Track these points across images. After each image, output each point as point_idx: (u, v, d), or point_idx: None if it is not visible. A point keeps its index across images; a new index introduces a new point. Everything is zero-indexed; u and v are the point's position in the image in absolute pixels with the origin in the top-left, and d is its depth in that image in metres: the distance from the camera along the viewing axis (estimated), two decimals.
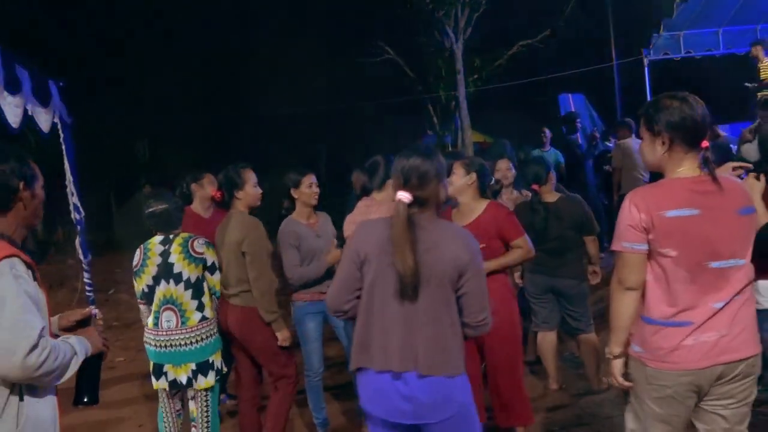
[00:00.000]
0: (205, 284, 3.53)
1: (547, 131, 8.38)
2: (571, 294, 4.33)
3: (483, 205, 3.59)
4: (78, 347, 2.02)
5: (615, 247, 2.28)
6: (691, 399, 2.25)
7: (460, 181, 3.58)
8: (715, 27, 10.50)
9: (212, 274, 3.55)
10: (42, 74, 3.95)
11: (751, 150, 6.18)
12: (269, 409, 3.85)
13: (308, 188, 4.00)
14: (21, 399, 1.87)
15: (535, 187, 4.24)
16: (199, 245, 3.52)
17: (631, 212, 2.21)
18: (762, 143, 2.97)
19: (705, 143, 2.20)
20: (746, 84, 8.61)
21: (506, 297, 3.54)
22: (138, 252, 3.58)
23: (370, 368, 2.35)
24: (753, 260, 2.76)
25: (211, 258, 3.54)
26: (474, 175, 3.58)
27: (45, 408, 1.93)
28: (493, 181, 4.00)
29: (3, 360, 1.77)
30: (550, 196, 4.31)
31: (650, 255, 2.23)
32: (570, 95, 11.34)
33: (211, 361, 3.49)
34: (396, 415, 2.32)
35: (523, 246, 3.53)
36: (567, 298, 4.35)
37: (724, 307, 2.18)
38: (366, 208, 3.69)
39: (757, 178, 2.85)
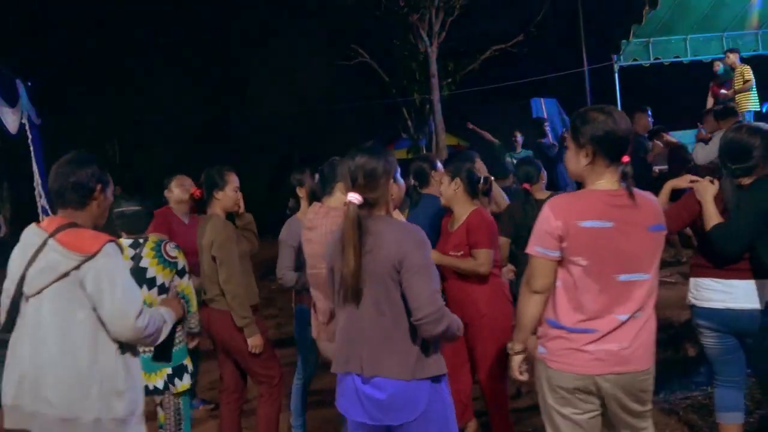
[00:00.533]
0: (172, 291, 3.48)
1: (518, 135, 8.48)
2: None
3: (469, 210, 3.57)
4: (167, 316, 2.52)
5: (529, 250, 2.31)
6: (591, 405, 2.28)
7: (447, 190, 3.57)
8: (683, 34, 10.75)
9: (182, 278, 3.50)
10: (9, 74, 3.89)
11: (699, 153, 6.35)
12: (258, 417, 3.77)
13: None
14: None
15: (526, 185, 4.23)
16: (171, 249, 3.48)
17: (548, 219, 2.25)
18: (721, 148, 3.06)
19: (626, 158, 2.25)
20: (723, 91, 8.82)
21: (497, 299, 3.53)
22: None
23: (333, 371, 2.43)
24: (702, 258, 2.85)
25: (182, 262, 3.51)
26: (458, 181, 3.55)
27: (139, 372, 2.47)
28: (482, 181, 3.95)
29: (120, 322, 2.29)
30: (541, 194, 4.27)
31: (562, 262, 2.26)
32: (542, 99, 11.50)
33: (185, 364, 3.47)
34: (360, 415, 2.34)
35: (479, 259, 3.46)
36: None
37: (628, 320, 2.22)
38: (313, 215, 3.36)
39: (711, 182, 2.97)
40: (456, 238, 3.54)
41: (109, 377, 2.31)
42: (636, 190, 2.28)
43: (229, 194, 3.66)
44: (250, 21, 16.56)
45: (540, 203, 4.20)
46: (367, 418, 2.33)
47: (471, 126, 9.10)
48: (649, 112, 7.05)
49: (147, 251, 3.41)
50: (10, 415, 2.33)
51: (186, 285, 3.53)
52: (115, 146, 18.74)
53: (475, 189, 3.62)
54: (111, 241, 2.33)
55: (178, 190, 4.60)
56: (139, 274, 3.36)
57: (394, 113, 15.17)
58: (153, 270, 3.40)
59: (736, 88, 8.64)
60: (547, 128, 9.07)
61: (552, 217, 2.24)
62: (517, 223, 4.03)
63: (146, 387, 3.33)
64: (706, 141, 6.50)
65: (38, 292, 2.31)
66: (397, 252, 2.22)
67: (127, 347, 2.38)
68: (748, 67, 8.79)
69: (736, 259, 2.85)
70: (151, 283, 3.39)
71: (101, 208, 2.44)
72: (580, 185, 2.36)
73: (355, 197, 2.26)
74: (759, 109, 8.56)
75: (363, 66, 14.07)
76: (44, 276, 2.30)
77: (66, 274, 2.27)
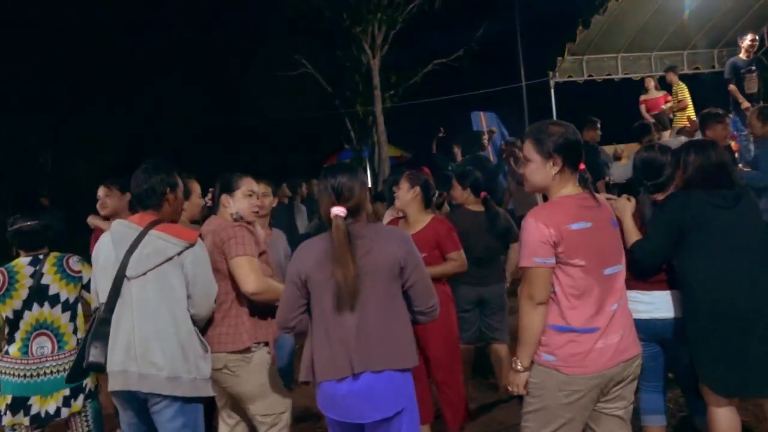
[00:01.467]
0: (79, 305, 3.32)
1: (456, 147, 8.65)
2: (499, 303, 4.42)
3: (427, 218, 3.83)
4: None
5: (526, 263, 2.35)
6: (594, 402, 2.40)
7: (405, 195, 3.81)
8: (614, 53, 11.23)
9: (89, 291, 3.22)
10: None
11: (615, 171, 6.63)
12: None
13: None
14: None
15: (484, 194, 4.34)
16: (74, 263, 3.30)
17: (539, 229, 2.31)
18: (636, 166, 3.23)
19: (582, 165, 2.43)
20: (663, 107, 9.23)
21: (445, 301, 3.70)
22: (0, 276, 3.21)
23: (324, 380, 2.43)
24: (627, 272, 3.00)
25: (87, 275, 3.27)
26: (418, 189, 3.78)
27: None
28: (436, 195, 4.13)
29: (205, 301, 2.80)
30: (476, 206, 4.39)
31: (558, 268, 2.34)
32: (481, 113, 11.73)
33: (84, 384, 3.26)
34: (353, 416, 2.42)
35: (457, 259, 3.79)
36: (492, 307, 4.41)
37: (617, 309, 2.39)
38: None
39: (628, 199, 3.12)
40: (417, 242, 3.61)
41: (197, 344, 2.77)
42: (589, 191, 2.46)
43: (195, 202, 3.59)
44: (194, 28, 16.28)
45: (476, 216, 4.31)
46: (360, 418, 2.41)
47: (442, 134, 9.19)
48: (598, 125, 7.26)
49: (48, 267, 3.23)
50: (118, 378, 2.69)
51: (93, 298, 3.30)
52: (47, 156, 18.04)
53: (430, 200, 3.89)
54: (199, 234, 2.87)
55: (108, 200, 4.36)
56: (41, 292, 3.19)
57: (337, 124, 15.22)
58: (56, 286, 3.23)
59: (672, 106, 9.08)
60: (486, 141, 9.25)
61: (543, 227, 2.31)
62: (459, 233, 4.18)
63: (37, 414, 3.14)
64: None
65: (143, 274, 2.70)
66: (397, 251, 2.43)
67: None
68: (684, 86, 9.24)
69: (656, 272, 2.99)
70: (54, 300, 3.21)
71: (174, 206, 2.90)
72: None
73: (340, 210, 2.42)
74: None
75: (307, 77, 14.07)
76: (150, 260, 2.70)
77: (170, 258, 2.71)
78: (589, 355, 2.33)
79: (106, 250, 2.80)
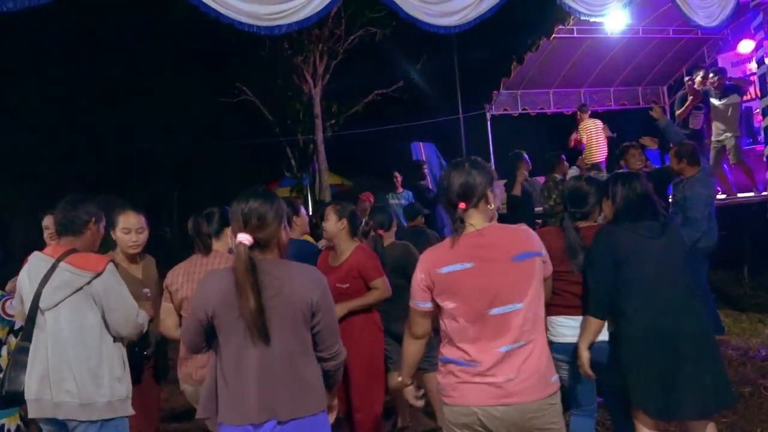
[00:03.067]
0: (5, 348, 3.43)
1: (398, 175, 8.79)
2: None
3: (352, 247, 3.85)
4: (144, 315, 3.08)
5: (410, 303, 2.46)
6: None
7: (333, 227, 3.83)
8: (546, 88, 11.72)
9: (16, 337, 3.37)
10: None
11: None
12: None
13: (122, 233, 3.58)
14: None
15: (381, 232, 4.41)
16: (10, 307, 3.36)
17: (416, 274, 2.41)
18: (564, 195, 3.44)
19: (462, 204, 2.34)
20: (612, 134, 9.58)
21: (372, 330, 3.81)
22: None
23: (225, 423, 2.27)
24: (557, 298, 3.10)
25: (20, 321, 3.27)
26: (345, 221, 3.83)
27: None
28: (363, 224, 4.21)
29: (127, 323, 2.92)
30: (388, 241, 4.48)
31: (439, 306, 2.38)
32: (421, 143, 11.97)
33: (6, 428, 3.37)
34: None
35: (379, 287, 3.78)
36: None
37: (510, 351, 2.27)
38: (198, 259, 3.41)
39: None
40: (341, 272, 3.78)
41: (112, 367, 2.89)
42: (499, 225, 2.43)
43: (118, 236, 3.51)
44: (131, 53, 15.95)
45: (387, 249, 4.33)
46: None
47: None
48: (527, 158, 7.49)
49: None
50: (34, 406, 2.84)
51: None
52: None
53: (356, 230, 3.94)
54: (110, 261, 2.95)
55: (48, 231, 4.23)
56: None
57: (277, 152, 15.17)
58: None
59: (583, 141, 9.52)
60: (426, 171, 9.43)
61: (418, 272, 2.41)
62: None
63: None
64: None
65: (55, 305, 2.83)
66: (314, 293, 2.27)
67: (119, 342, 2.96)
68: (594, 121, 9.65)
69: (609, 301, 3.05)
70: None
71: (93, 237, 3.03)
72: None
73: (246, 238, 2.24)
74: (602, 160, 9.42)
75: (246, 104, 14.02)
76: (60, 292, 2.82)
77: (80, 289, 2.82)
78: (461, 387, 2.32)
79: (24, 283, 2.93)
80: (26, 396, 2.84)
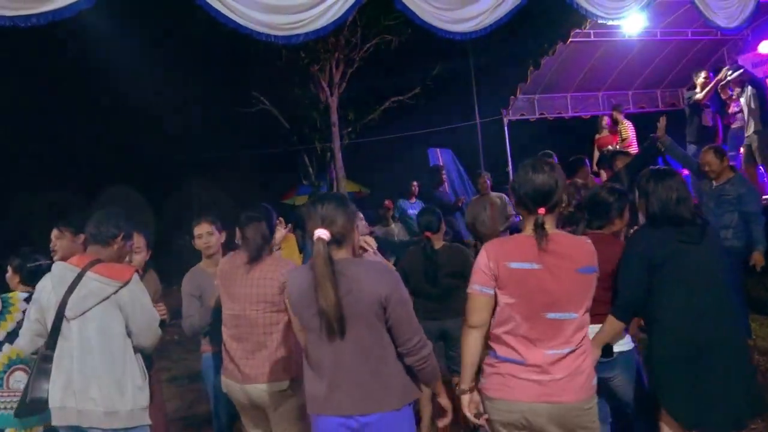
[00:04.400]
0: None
1: (415, 183, 8.73)
2: (457, 336, 4.38)
3: None
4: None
5: (468, 289, 2.49)
6: None
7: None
8: (564, 92, 11.65)
9: (11, 344, 3.29)
10: None
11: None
12: None
13: (198, 239, 3.99)
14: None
15: (428, 234, 4.37)
16: None
17: (482, 260, 2.44)
18: (584, 203, 3.47)
19: (541, 210, 2.41)
20: (610, 147, 9.54)
21: None
22: None
23: (322, 414, 2.41)
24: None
25: (11, 325, 3.32)
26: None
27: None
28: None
29: (148, 333, 2.99)
30: (438, 243, 4.45)
31: (496, 299, 2.43)
32: (438, 149, 11.94)
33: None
34: None
35: None
36: (453, 340, 4.34)
37: (558, 354, 2.36)
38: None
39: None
40: None
41: (135, 377, 2.92)
42: (568, 234, 2.49)
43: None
44: (144, 64, 16.13)
45: (437, 252, 4.36)
46: None
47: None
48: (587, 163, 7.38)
49: None
50: (58, 414, 2.87)
51: None
52: None
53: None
54: (135, 270, 3.03)
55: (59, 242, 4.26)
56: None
57: (295, 160, 15.21)
58: None
59: (628, 139, 9.44)
60: (445, 176, 9.37)
61: (485, 258, 2.43)
62: (415, 271, 4.32)
63: None
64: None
65: (82, 314, 2.86)
66: (383, 288, 2.32)
67: (139, 352, 3.01)
68: (629, 124, 9.62)
69: (637, 307, 2.99)
70: None
71: (120, 252, 3.10)
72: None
73: (324, 233, 2.34)
74: None
75: (264, 113, 14.09)
76: (87, 301, 2.86)
77: (106, 298, 2.87)
78: (507, 382, 2.39)
79: (47, 291, 2.93)
80: (50, 404, 2.87)
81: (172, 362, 7.42)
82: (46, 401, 2.89)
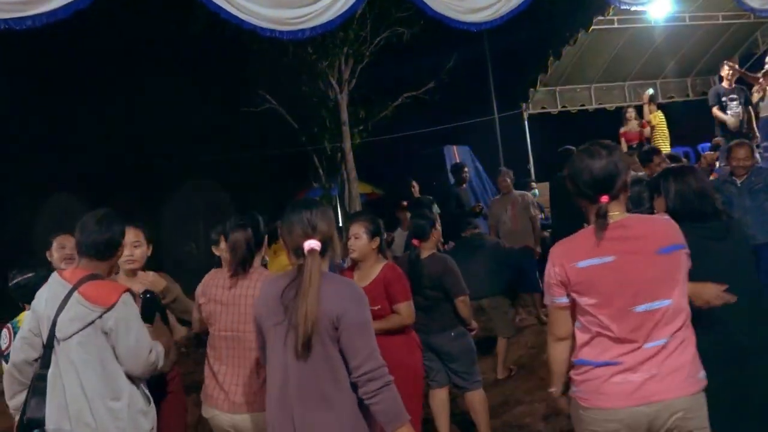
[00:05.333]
0: None
1: (414, 184, 8.44)
2: (448, 350, 4.22)
3: (380, 266, 3.61)
4: (159, 348, 2.90)
5: (545, 301, 2.42)
6: None
7: (365, 247, 3.58)
8: (587, 84, 11.14)
9: (7, 362, 3.18)
10: None
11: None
12: None
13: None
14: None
15: (415, 242, 4.20)
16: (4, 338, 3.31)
17: (549, 269, 2.32)
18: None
19: (603, 198, 2.26)
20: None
21: (410, 348, 3.64)
22: (5, 333, 3.35)
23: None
24: None
25: (6, 340, 3.39)
26: (377, 239, 3.60)
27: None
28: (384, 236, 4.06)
29: (134, 360, 2.76)
30: (426, 252, 4.24)
31: (575, 303, 2.29)
32: (454, 147, 11.50)
33: None
34: None
35: (402, 312, 3.55)
36: (446, 355, 4.24)
37: (654, 347, 2.21)
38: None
39: None
40: (371, 293, 3.48)
41: (133, 401, 2.78)
42: (643, 216, 2.36)
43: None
44: (151, 64, 15.84)
45: (422, 262, 4.13)
46: None
47: None
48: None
49: None
50: None
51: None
52: None
53: (383, 246, 3.72)
54: (126, 290, 2.80)
55: (59, 253, 3.82)
56: None
57: (304, 161, 14.79)
58: None
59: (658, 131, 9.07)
60: (467, 174, 8.92)
61: (550, 265, 2.32)
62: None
63: None
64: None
65: (69, 337, 2.72)
66: (337, 307, 2.20)
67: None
68: (658, 113, 9.17)
69: None
70: None
71: (117, 261, 2.98)
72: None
73: (316, 244, 2.25)
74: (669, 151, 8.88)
75: (271, 112, 13.65)
76: (73, 325, 2.72)
77: (92, 323, 2.72)
78: (603, 388, 2.25)
79: (41, 305, 2.81)
80: (47, 425, 2.76)
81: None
82: (43, 421, 2.76)
